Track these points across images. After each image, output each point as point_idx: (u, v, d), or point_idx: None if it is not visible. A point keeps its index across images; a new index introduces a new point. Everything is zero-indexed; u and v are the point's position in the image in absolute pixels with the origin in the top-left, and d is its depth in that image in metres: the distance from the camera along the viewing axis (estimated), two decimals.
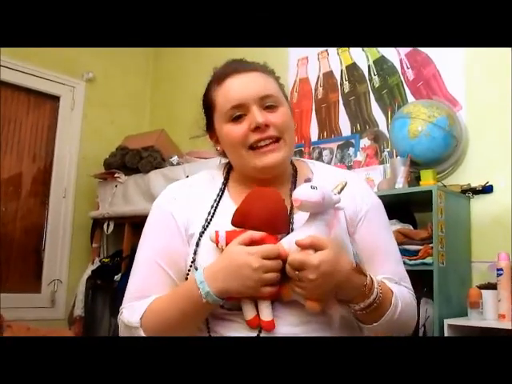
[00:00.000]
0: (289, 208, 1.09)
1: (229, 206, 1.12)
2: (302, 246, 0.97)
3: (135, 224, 3.24)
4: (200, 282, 1.00)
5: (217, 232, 1.05)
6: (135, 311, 1.08)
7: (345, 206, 1.05)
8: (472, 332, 2.05)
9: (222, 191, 1.17)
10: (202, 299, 1.00)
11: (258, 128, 1.09)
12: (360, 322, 1.08)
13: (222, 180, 1.20)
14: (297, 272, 0.96)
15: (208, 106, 1.19)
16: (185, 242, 1.12)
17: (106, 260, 3.51)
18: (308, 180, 1.12)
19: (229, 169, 1.23)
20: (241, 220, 1.04)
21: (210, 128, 1.21)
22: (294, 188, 1.15)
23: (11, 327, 2.91)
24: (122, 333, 1.13)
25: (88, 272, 3.49)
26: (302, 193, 0.98)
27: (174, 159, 3.27)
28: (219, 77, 1.16)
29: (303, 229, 1.01)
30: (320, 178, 1.18)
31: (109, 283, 3.32)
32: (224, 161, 1.27)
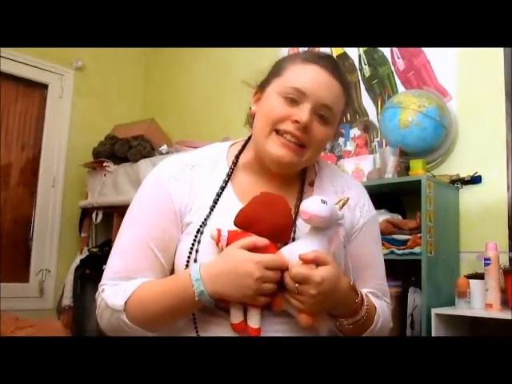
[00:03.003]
0: (293, 213, 1.07)
1: (231, 200, 1.09)
2: (306, 261, 0.95)
3: (124, 214, 3.21)
4: (195, 279, 0.97)
5: (219, 231, 1.01)
6: (119, 293, 1.03)
7: (344, 218, 1.04)
8: (459, 321, 2.07)
9: (226, 182, 1.12)
10: (195, 297, 0.97)
11: (297, 122, 1.04)
12: (342, 335, 1.09)
13: (225, 167, 1.14)
14: (297, 285, 0.95)
15: (276, 70, 1.11)
16: (179, 228, 1.08)
17: (95, 249, 3.49)
18: (311, 183, 1.13)
19: (237, 154, 1.17)
20: (245, 223, 1.01)
21: (263, 86, 1.12)
22: (301, 190, 1.14)
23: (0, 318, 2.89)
24: (102, 312, 1.07)
25: (76, 261, 3.47)
26: (312, 207, 0.96)
27: (164, 148, 3.26)
28: (307, 57, 1.09)
29: (305, 241, 1.00)
30: (321, 179, 1.18)
31: (97, 273, 3.25)
32: (228, 143, 1.21)
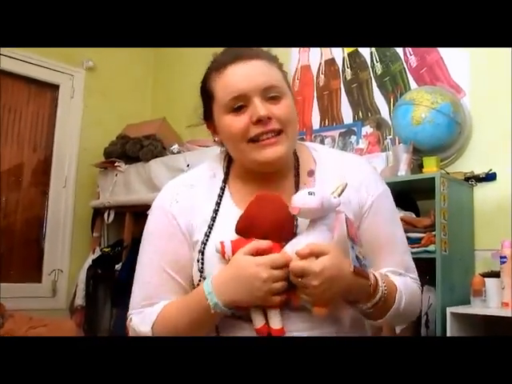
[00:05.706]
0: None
1: (230, 209, 1.10)
2: (302, 256, 0.95)
3: (136, 213, 3.23)
4: (208, 292, 1.00)
5: (222, 243, 1.03)
6: (145, 320, 1.08)
7: (349, 199, 1.05)
8: (475, 320, 2.04)
9: (223, 191, 1.13)
10: (211, 310, 0.99)
11: (259, 121, 1.03)
12: (367, 319, 1.09)
13: (222, 177, 1.16)
14: (299, 279, 0.95)
15: (207, 95, 1.13)
16: (190, 246, 1.11)
17: (107, 249, 3.49)
18: (311, 172, 1.11)
19: (229, 161, 1.19)
20: (246, 228, 1.03)
21: (209, 117, 1.15)
22: (298, 181, 1.13)
23: (13, 317, 2.90)
24: None
25: (89, 261, 3.48)
26: (299, 200, 0.97)
27: (175, 148, 3.25)
28: (219, 65, 1.10)
29: (305, 235, 1.00)
30: (323, 168, 1.15)
31: (109, 273, 3.31)
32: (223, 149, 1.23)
